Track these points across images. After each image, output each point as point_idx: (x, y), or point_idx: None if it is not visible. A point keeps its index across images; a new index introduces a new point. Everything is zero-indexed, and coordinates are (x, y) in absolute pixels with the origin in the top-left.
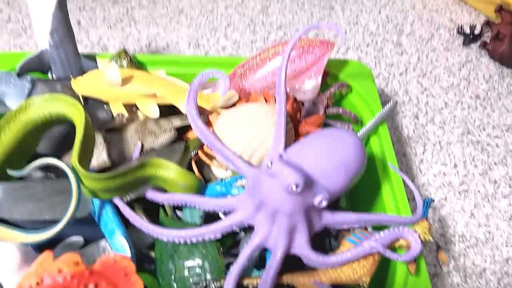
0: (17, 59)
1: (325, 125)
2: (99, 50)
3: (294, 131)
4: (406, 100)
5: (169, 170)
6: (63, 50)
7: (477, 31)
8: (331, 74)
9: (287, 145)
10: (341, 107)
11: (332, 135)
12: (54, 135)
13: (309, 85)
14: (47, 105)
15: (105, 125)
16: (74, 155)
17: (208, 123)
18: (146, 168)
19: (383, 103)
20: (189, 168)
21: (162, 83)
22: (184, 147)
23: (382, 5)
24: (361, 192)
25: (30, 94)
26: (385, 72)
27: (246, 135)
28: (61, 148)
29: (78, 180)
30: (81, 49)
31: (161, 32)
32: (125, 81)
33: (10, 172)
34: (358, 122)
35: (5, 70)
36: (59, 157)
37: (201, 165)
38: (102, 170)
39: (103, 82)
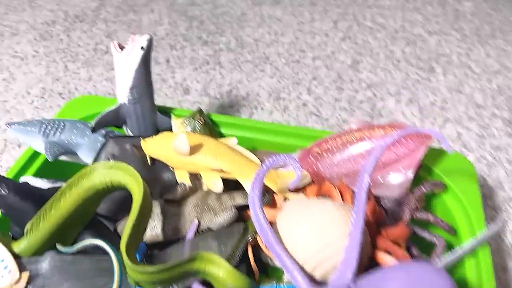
0: (97, 104)
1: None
2: (181, 92)
3: (371, 244)
4: None
5: (219, 267)
6: (140, 106)
7: None
8: (423, 165)
9: (360, 268)
10: (432, 214)
11: (416, 274)
12: (115, 197)
13: (397, 180)
14: (109, 173)
15: (167, 191)
16: (124, 238)
17: (273, 205)
18: (196, 262)
19: (485, 204)
20: (245, 252)
21: (230, 156)
22: (243, 230)
23: (493, 72)
24: None
25: (100, 150)
26: (490, 157)
27: (313, 242)
28: (120, 211)
29: (122, 268)
30: (165, 89)
31: (244, 79)
32: (193, 150)
33: (60, 247)
34: (452, 233)
35: (82, 120)
36: (116, 220)
37: (258, 251)
38: (153, 243)
39: (171, 148)
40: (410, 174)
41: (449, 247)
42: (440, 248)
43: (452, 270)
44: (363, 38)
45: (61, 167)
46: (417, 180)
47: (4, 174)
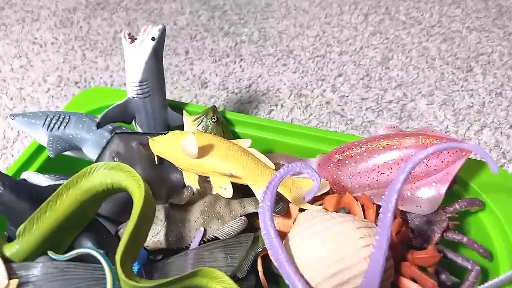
0: (108, 96)
1: (438, 252)
2: (199, 85)
3: (394, 270)
4: None
5: (222, 284)
6: (150, 101)
7: None
8: (458, 178)
9: None
10: (466, 236)
11: None
12: (118, 197)
13: (427, 195)
14: (110, 174)
15: (176, 189)
16: (120, 248)
17: (287, 215)
18: (197, 278)
19: None
20: (255, 263)
21: (242, 160)
22: (252, 240)
23: None
24: None
25: (104, 147)
26: None
27: (329, 265)
28: (124, 212)
29: (115, 281)
30: (182, 81)
31: (265, 73)
32: (203, 151)
33: (52, 255)
34: (489, 258)
35: (91, 113)
36: (119, 222)
37: (268, 260)
38: (154, 251)
39: (180, 148)
40: (443, 190)
41: (485, 274)
42: (473, 275)
43: None
44: (395, 33)
45: (67, 162)
46: (451, 195)
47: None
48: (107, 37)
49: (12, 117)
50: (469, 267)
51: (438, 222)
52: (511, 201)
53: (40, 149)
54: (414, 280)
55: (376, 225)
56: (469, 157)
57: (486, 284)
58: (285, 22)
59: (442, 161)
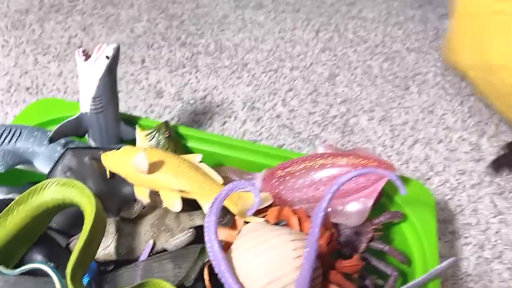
0: (60, 108)
1: (364, 259)
2: (154, 95)
3: (323, 277)
4: (473, 223)
5: None
6: (104, 116)
7: None
8: (384, 193)
9: None
10: (388, 245)
11: None
12: (70, 211)
13: (355, 209)
14: (62, 190)
15: (128, 202)
16: (70, 262)
17: (233, 226)
18: None
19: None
20: (201, 274)
21: (191, 176)
22: (200, 250)
23: (466, 95)
24: None
25: (57, 162)
26: (454, 180)
27: (266, 274)
28: (75, 226)
29: None
30: (137, 90)
31: (219, 85)
32: (153, 168)
33: (2, 269)
34: (406, 264)
35: (41, 127)
36: (71, 235)
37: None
38: (105, 262)
39: (131, 164)
40: (369, 204)
41: (405, 278)
42: (392, 279)
43: None
44: (343, 50)
45: (22, 174)
46: (378, 208)
47: None
48: (61, 42)
49: None
50: (389, 272)
51: (365, 233)
52: (428, 212)
53: None
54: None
55: None
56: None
57: (403, 286)
58: (240, 35)
59: (368, 179)
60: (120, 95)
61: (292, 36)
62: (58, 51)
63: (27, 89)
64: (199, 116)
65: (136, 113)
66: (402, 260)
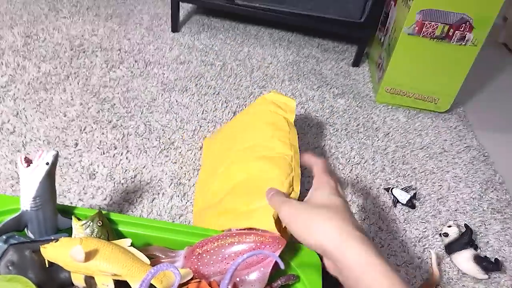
0: (4, 202)
1: None
2: (87, 177)
3: None
4: None
5: None
6: (43, 212)
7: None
8: (283, 259)
9: None
10: None
11: None
12: None
13: (256, 277)
14: (7, 286)
15: (65, 286)
16: None
17: None
18: None
19: None
20: None
21: (122, 260)
22: None
23: (355, 163)
24: None
25: (1, 256)
26: None
27: None
28: None
29: None
30: (71, 173)
31: (149, 164)
32: (88, 256)
33: None
34: None
35: None
36: None
37: None
38: None
39: (68, 254)
40: (267, 272)
41: None
42: None
43: None
44: None
45: None
46: (278, 273)
47: None
48: None
49: None
50: None
51: None
52: (315, 273)
53: None
54: None
55: None
56: (293, 242)
57: None
58: (168, 116)
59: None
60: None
61: (213, 116)
62: None
63: None
64: (130, 195)
65: (70, 195)
66: None
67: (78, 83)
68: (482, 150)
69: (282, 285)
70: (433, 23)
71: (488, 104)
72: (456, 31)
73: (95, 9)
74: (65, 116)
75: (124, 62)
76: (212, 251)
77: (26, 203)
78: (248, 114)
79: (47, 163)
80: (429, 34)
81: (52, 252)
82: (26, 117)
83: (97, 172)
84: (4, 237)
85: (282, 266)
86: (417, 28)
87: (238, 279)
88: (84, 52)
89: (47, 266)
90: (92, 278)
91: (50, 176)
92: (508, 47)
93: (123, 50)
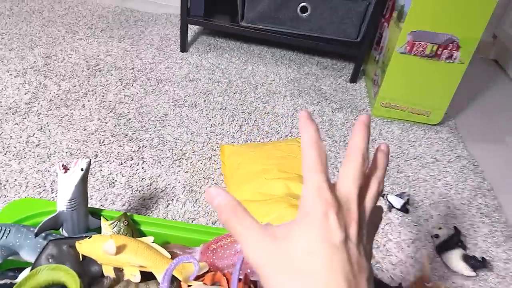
0: (34, 206)
1: None
2: (107, 185)
3: None
4: None
5: None
6: (77, 213)
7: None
8: None
9: None
10: None
11: None
12: None
13: None
14: (52, 274)
15: (95, 281)
16: None
17: None
18: None
19: None
20: None
21: (147, 254)
22: None
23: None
24: None
25: (41, 252)
26: None
27: None
28: None
29: None
30: (92, 182)
31: (163, 173)
32: (118, 250)
33: None
34: None
35: (19, 222)
36: None
37: None
38: None
39: (101, 249)
40: None
41: None
42: None
43: None
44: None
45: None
46: None
47: None
48: (20, 141)
49: None
50: None
51: None
52: None
53: None
54: None
55: None
56: None
57: None
58: (179, 129)
59: None
60: None
61: (221, 130)
62: (18, 150)
63: None
64: (146, 201)
65: (92, 202)
66: None
67: (95, 100)
68: (471, 160)
69: None
70: (422, 43)
71: (478, 117)
72: (444, 50)
73: (109, 31)
74: (85, 130)
75: (137, 80)
76: (225, 246)
77: (62, 204)
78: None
79: (82, 169)
80: (420, 53)
81: (86, 247)
82: (49, 131)
83: (116, 180)
84: (43, 234)
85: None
86: (408, 47)
87: (249, 270)
88: (100, 71)
89: (81, 259)
90: (121, 270)
91: (83, 181)
92: (499, 63)
93: (136, 69)
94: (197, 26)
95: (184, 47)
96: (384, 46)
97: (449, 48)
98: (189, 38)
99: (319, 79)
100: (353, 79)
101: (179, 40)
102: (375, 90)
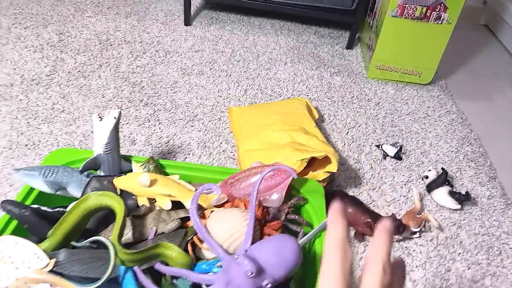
0: (71, 154)
1: (284, 226)
2: (129, 143)
3: (260, 232)
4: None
5: (172, 251)
6: (111, 156)
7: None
8: (294, 188)
9: (253, 242)
10: (297, 215)
11: (280, 240)
12: (97, 217)
13: (275, 197)
14: (99, 198)
15: (132, 211)
16: (114, 234)
17: (203, 216)
18: (158, 248)
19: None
20: (186, 248)
21: (175, 186)
22: (184, 233)
23: (350, 127)
24: (309, 277)
25: (86, 186)
26: (344, 183)
27: (226, 231)
28: (101, 226)
29: (115, 252)
30: None
31: (178, 132)
32: (151, 183)
33: (73, 243)
34: (309, 225)
35: (67, 165)
36: (98, 232)
37: (195, 246)
38: (126, 244)
39: (136, 182)
40: (283, 193)
41: (307, 233)
42: (300, 234)
43: (308, 245)
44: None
45: (47, 199)
46: (291, 196)
47: None
48: (46, 108)
49: (16, 170)
50: (298, 230)
51: (283, 210)
52: (319, 198)
53: (29, 192)
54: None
55: None
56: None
57: (305, 237)
58: (189, 95)
59: (282, 178)
60: None
61: (227, 94)
62: (46, 115)
63: (26, 145)
64: (165, 155)
65: None
66: (306, 224)
67: (110, 71)
68: (460, 114)
69: (294, 204)
70: (412, 5)
71: (468, 78)
72: (433, 12)
73: (115, 8)
74: (103, 97)
75: (147, 52)
76: (241, 179)
77: (99, 148)
78: (281, 101)
79: (114, 118)
80: (410, 16)
81: (123, 181)
82: (71, 99)
83: (136, 139)
84: (85, 173)
85: (295, 176)
86: (399, 10)
87: (262, 198)
88: (111, 45)
89: (118, 193)
90: (154, 200)
91: (116, 128)
92: (489, 28)
93: (144, 42)
94: (199, 1)
95: (188, 21)
96: (377, 11)
97: (437, 10)
98: (191, 13)
99: (317, 47)
100: (349, 46)
101: (182, 15)
102: (370, 54)
